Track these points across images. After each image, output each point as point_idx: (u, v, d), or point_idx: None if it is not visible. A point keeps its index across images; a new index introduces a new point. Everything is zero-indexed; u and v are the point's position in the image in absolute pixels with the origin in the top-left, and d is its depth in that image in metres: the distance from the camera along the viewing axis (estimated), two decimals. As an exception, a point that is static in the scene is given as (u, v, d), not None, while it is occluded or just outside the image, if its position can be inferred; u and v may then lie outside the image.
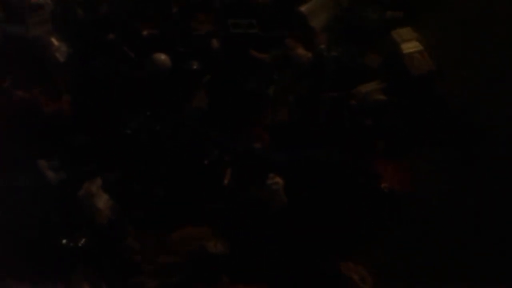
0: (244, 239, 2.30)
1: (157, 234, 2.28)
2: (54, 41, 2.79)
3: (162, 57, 2.64)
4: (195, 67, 2.67)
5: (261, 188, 2.34)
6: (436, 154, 2.66)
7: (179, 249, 2.22)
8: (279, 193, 2.34)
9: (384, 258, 2.36)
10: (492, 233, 2.40)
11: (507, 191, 2.51)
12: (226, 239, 2.29)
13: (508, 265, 2.30)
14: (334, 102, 2.65)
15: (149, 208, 2.38)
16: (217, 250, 2.23)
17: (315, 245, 2.33)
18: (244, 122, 2.61)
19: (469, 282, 2.26)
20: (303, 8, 2.90)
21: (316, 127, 2.60)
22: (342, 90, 2.69)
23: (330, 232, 2.35)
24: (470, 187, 2.54)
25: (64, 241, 2.20)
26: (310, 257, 2.31)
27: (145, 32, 2.74)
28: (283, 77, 2.70)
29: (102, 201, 2.28)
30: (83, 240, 2.21)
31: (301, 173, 2.43)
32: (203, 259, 2.22)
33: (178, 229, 2.28)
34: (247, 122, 2.61)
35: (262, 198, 2.34)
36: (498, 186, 2.53)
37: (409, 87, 2.75)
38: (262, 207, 2.34)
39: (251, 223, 2.33)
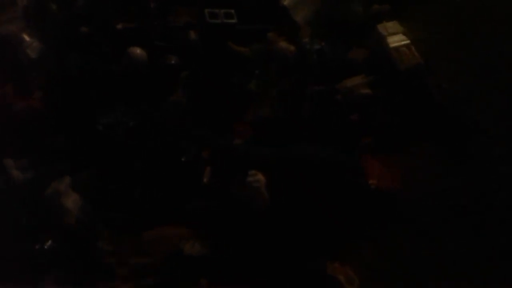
0: (224, 239, 2.20)
1: (131, 235, 2.17)
2: (26, 37, 2.74)
3: (138, 51, 2.57)
4: (172, 61, 2.58)
5: (241, 185, 2.23)
6: (425, 150, 2.58)
7: (153, 250, 2.11)
8: (261, 190, 2.24)
9: (371, 259, 2.27)
10: (487, 231, 2.32)
11: (500, 187, 2.43)
12: (205, 239, 2.18)
13: (503, 265, 2.22)
14: (318, 97, 2.57)
15: (122, 208, 2.27)
16: (195, 251, 2.12)
17: (300, 245, 2.23)
18: (225, 117, 2.52)
19: (462, 282, 2.18)
20: (286, 2, 2.84)
21: (299, 122, 2.52)
22: (327, 84, 2.62)
23: (315, 232, 2.25)
24: (462, 184, 2.46)
25: (30, 243, 2.08)
26: (294, 257, 2.21)
27: (120, 26, 2.65)
28: (265, 71, 2.61)
29: (71, 200, 2.17)
30: (50, 242, 2.09)
31: (284, 170, 2.33)
32: (180, 260, 2.10)
33: (153, 229, 2.17)
34: (228, 118, 2.53)
35: (243, 196, 2.24)
36: (491, 183, 2.46)
37: (396, 82, 2.69)
38: (243, 206, 2.24)
39: (231, 222, 2.23)
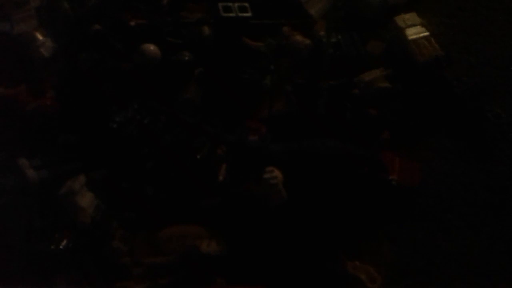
0: (241, 237, 2.15)
1: (146, 234, 2.13)
2: (39, 36, 2.71)
3: (151, 47, 2.52)
4: (186, 58, 2.54)
5: (258, 182, 2.18)
6: (446, 145, 2.53)
7: (168, 249, 2.07)
8: (278, 187, 2.18)
9: (393, 256, 2.22)
10: (509, 228, 2.26)
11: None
12: (221, 238, 2.13)
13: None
14: (334, 91, 2.51)
15: (137, 207, 2.23)
16: (211, 249, 2.08)
17: (319, 243, 2.18)
18: (239, 114, 2.47)
19: (485, 280, 2.14)
20: (301, -4, 2.79)
21: (315, 117, 2.46)
22: (343, 78, 2.56)
23: (335, 229, 2.21)
24: (484, 180, 2.41)
25: (44, 243, 2.05)
26: (313, 256, 2.16)
27: (133, 23, 2.62)
28: (280, 66, 2.56)
29: (86, 199, 2.14)
30: (65, 242, 2.06)
31: (301, 166, 2.28)
32: (196, 259, 2.06)
33: (168, 228, 2.13)
34: (243, 114, 2.47)
35: (260, 193, 2.18)
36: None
37: (415, 74, 2.62)
38: (260, 203, 2.18)
39: (248, 220, 2.18)
